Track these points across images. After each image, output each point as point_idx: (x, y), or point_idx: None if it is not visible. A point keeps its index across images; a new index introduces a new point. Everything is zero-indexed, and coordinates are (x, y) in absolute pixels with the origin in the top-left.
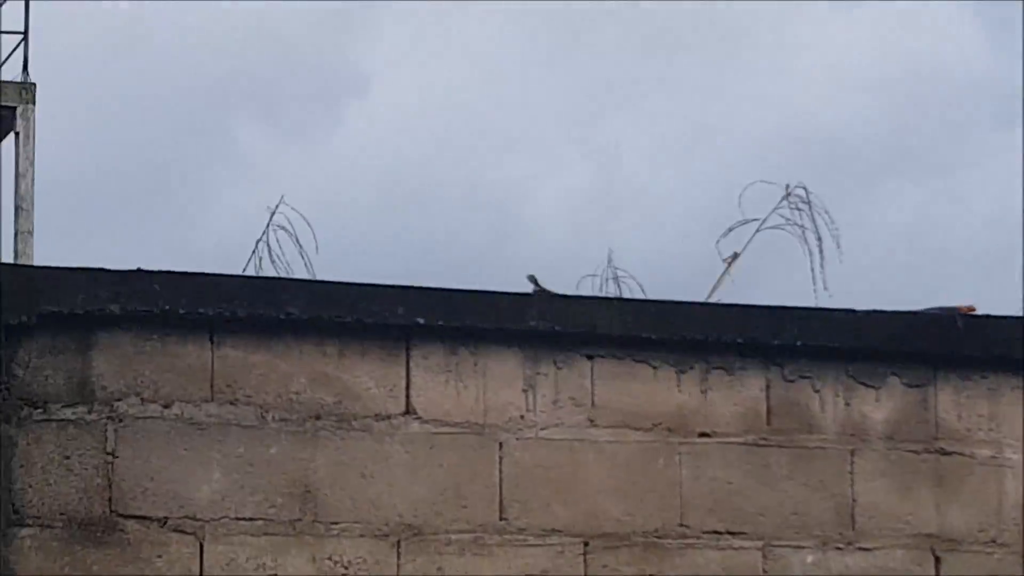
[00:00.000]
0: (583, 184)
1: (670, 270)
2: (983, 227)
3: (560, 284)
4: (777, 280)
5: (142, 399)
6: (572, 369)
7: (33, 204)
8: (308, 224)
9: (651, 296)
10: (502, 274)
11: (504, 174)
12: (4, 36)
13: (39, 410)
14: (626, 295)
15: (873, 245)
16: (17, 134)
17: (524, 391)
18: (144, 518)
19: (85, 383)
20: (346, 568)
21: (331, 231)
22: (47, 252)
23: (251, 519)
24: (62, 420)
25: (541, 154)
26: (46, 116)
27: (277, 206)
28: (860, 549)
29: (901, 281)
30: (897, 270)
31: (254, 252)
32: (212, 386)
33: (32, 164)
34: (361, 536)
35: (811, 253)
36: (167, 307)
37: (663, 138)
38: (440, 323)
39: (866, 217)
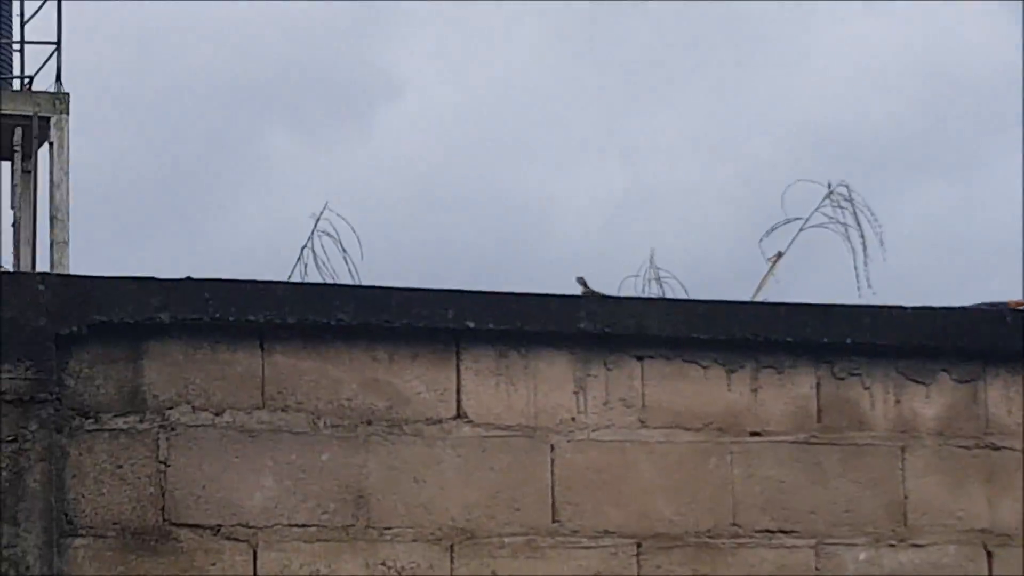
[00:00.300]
0: (615, 184)
1: (709, 270)
2: (1016, 222)
3: (600, 285)
4: (818, 278)
5: (193, 407)
6: (622, 370)
7: (68, 214)
8: (353, 230)
9: (693, 296)
10: (538, 277)
11: (536, 176)
12: (37, 46)
13: (91, 420)
14: (668, 295)
15: (910, 242)
16: (51, 144)
17: (575, 393)
18: (197, 526)
19: (136, 392)
20: (400, 573)
21: (367, 237)
22: (82, 261)
23: (304, 526)
24: (114, 430)
25: (572, 155)
26: (78, 125)
27: (322, 212)
28: (912, 546)
29: (938, 278)
30: (933, 267)
31: (299, 258)
32: (263, 393)
33: (67, 174)
34: (414, 541)
35: (854, 251)
36: (217, 315)
37: (693, 137)
38: (490, 326)
39: (900, 214)
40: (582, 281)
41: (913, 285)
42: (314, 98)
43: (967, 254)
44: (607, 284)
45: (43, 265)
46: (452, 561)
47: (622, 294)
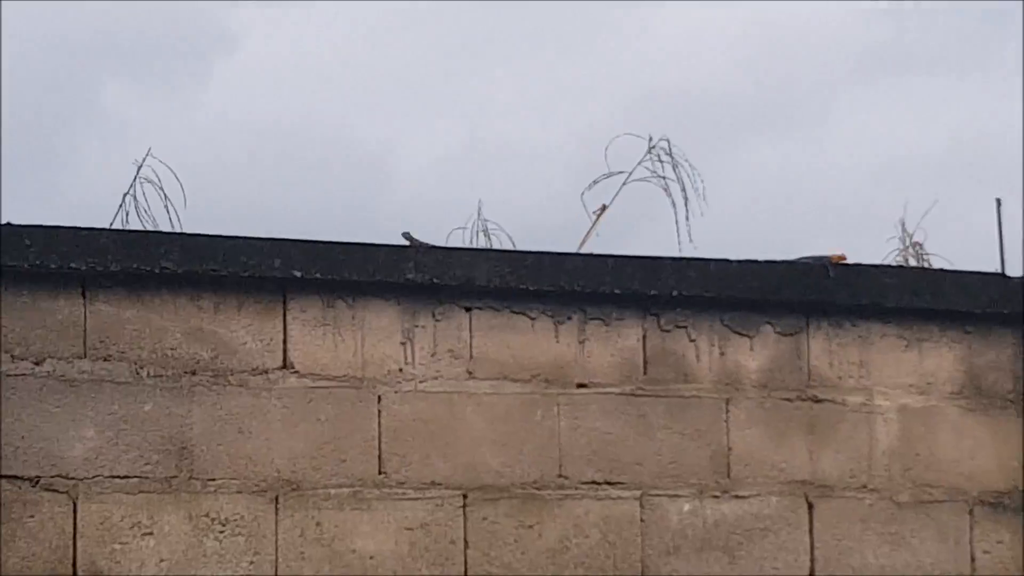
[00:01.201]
0: (454, 140)
1: (540, 223)
2: (845, 179)
3: (432, 239)
4: (647, 232)
5: (12, 356)
6: (450, 321)
7: None
8: (176, 178)
9: (521, 248)
10: (376, 230)
11: (376, 131)
12: None
13: None
14: (496, 247)
15: (741, 198)
16: None
17: (402, 344)
18: (15, 477)
19: None
20: (224, 525)
21: (202, 187)
22: None
23: (125, 477)
24: None
25: (412, 110)
26: None
27: (144, 159)
28: (735, 497)
29: (769, 233)
30: (765, 222)
31: (121, 206)
32: (85, 342)
33: None
34: (239, 492)
35: (675, 205)
36: (38, 262)
37: (532, 94)
38: (317, 276)
39: (733, 171)
40: (408, 236)
41: (744, 240)
42: (149, 48)
43: (803, 210)
44: (439, 237)
45: None
46: (277, 513)
47: (454, 245)
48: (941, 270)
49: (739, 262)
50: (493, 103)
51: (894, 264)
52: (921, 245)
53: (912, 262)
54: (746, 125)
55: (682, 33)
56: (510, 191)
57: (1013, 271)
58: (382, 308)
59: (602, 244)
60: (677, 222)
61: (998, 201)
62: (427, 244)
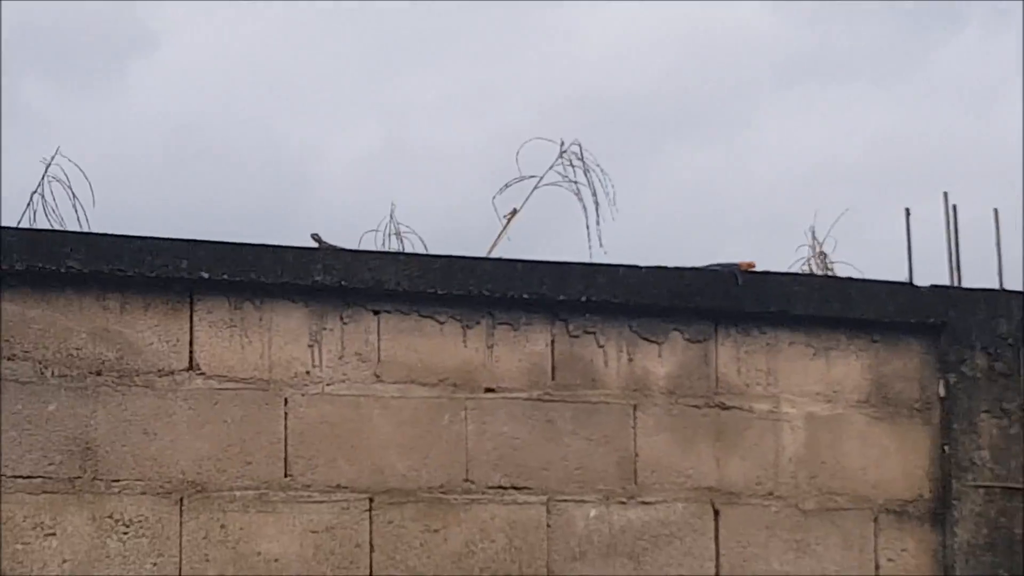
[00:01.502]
0: (373, 143)
1: (455, 227)
2: (763, 187)
3: (346, 241)
4: (560, 238)
5: None
6: (358, 324)
7: None
8: (86, 177)
9: (433, 251)
10: (295, 231)
11: (295, 133)
12: None
13: None
14: (408, 250)
15: (660, 204)
16: None
17: (310, 346)
18: None
19: None
20: (127, 526)
21: (115, 187)
22: None
23: (29, 477)
24: None
25: (332, 113)
26: None
27: (52, 158)
28: (642, 503)
29: (687, 240)
30: (684, 229)
31: (29, 204)
32: None
33: None
34: (143, 494)
35: (586, 210)
36: None
37: (453, 96)
38: (224, 277)
39: (653, 177)
40: (316, 238)
41: (662, 247)
42: (72, 47)
43: (719, 218)
44: (353, 240)
45: None
46: (181, 514)
47: (364, 248)
48: (849, 279)
49: (648, 268)
50: (414, 105)
51: (803, 272)
52: (826, 254)
53: (817, 270)
54: (668, 130)
55: (606, 37)
56: (427, 194)
57: (922, 280)
58: (290, 310)
59: (514, 249)
60: (588, 227)
61: (907, 211)
62: (335, 246)
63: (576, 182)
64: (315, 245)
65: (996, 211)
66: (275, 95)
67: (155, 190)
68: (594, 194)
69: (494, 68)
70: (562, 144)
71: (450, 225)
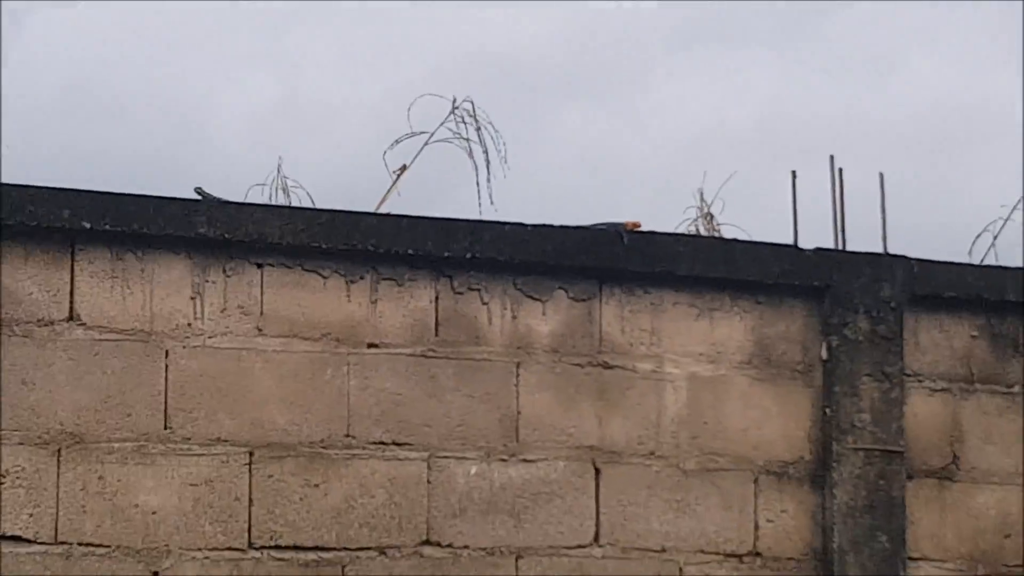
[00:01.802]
0: (267, 96)
1: (345, 184)
2: (657, 149)
3: (235, 196)
4: (451, 196)
5: None
6: (241, 277)
7: None
8: None
9: (321, 206)
10: (185, 185)
11: (190, 85)
12: None
13: None
14: (296, 205)
15: (554, 164)
16: None
17: (192, 298)
18: None
19: None
20: (3, 477)
21: (8, 138)
22: None
23: None
24: None
25: (227, 65)
26: None
27: None
28: (523, 460)
29: (579, 200)
30: (576, 191)
31: None
32: None
33: None
34: (20, 444)
35: (477, 168)
36: None
37: (348, 53)
38: (107, 227)
39: (548, 137)
40: (200, 191)
41: (554, 207)
42: None
43: (614, 179)
44: (239, 194)
45: None
46: (59, 465)
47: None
48: (735, 240)
49: (534, 226)
50: (309, 59)
51: (688, 233)
52: (713, 216)
53: (704, 232)
54: (563, 91)
55: None
56: (319, 149)
57: (807, 243)
58: (172, 262)
59: (405, 206)
60: (479, 184)
61: (793, 173)
62: (219, 199)
63: (468, 139)
64: (199, 198)
65: (882, 175)
66: (171, 46)
67: (49, 142)
68: (485, 152)
69: (390, 24)
70: (454, 101)
71: (341, 181)
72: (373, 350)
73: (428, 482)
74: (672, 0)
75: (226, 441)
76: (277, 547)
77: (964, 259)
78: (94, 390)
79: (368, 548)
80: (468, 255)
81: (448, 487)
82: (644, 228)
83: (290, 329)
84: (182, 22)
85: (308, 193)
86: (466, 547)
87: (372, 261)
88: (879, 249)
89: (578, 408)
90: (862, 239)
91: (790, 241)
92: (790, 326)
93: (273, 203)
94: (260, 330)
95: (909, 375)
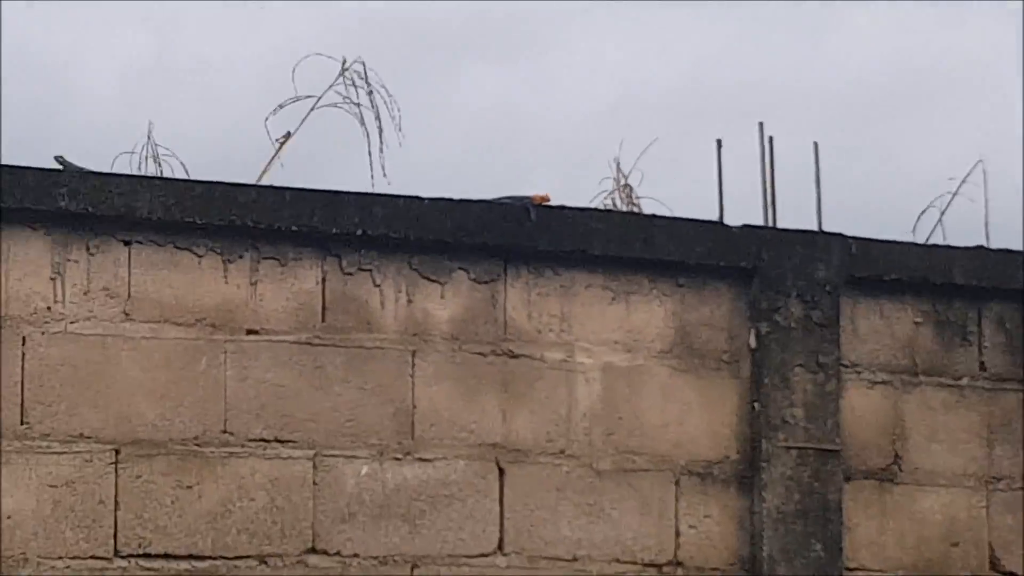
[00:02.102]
0: (140, 55)
1: (223, 153)
2: (570, 114)
3: (100, 165)
4: (340, 167)
5: None
6: (107, 256)
7: None
8: None
9: (196, 178)
10: (48, 153)
11: (54, 40)
12: None
13: None
14: (168, 175)
15: (453, 134)
16: None
17: (52, 279)
18: None
19: None
20: None
21: None
22: None
23: None
24: None
25: (96, 18)
26: None
27: None
28: (420, 460)
29: (485, 170)
30: (479, 161)
31: None
32: None
33: None
34: None
35: (368, 135)
36: None
37: (229, 8)
38: None
39: (446, 104)
40: (61, 160)
41: (456, 178)
42: None
43: (521, 147)
44: (105, 163)
45: None
46: None
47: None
48: (654, 216)
49: (431, 200)
50: (186, 14)
51: (603, 208)
52: (631, 188)
53: (621, 206)
54: (466, 51)
55: None
56: (196, 114)
57: (734, 219)
58: (30, 239)
59: (289, 177)
60: (370, 154)
61: (719, 142)
62: (83, 169)
63: (359, 104)
64: (59, 168)
65: (816, 144)
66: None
67: None
68: (377, 118)
69: None
70: (344, 62)
71: (218, 150)
72: (253, 337)
73: (314, 483)
74: None
75: (89, 438)
76: (146, 555)
77: (908, 237)
78: None
79: (247, 556)
80: (358, 232)
81: (336, 489)
82: (554, 202)
83: (161, 313)
84: None
85: (182, 163)
86: (356, 555)
87: (252, 238)
88: (813, 226)
89: (480, 402)
90: (795, 215)
91: (715, 217)
92: (715, 311)
93: (142, 174)
94: (128, 314)
95: (846, 366)
